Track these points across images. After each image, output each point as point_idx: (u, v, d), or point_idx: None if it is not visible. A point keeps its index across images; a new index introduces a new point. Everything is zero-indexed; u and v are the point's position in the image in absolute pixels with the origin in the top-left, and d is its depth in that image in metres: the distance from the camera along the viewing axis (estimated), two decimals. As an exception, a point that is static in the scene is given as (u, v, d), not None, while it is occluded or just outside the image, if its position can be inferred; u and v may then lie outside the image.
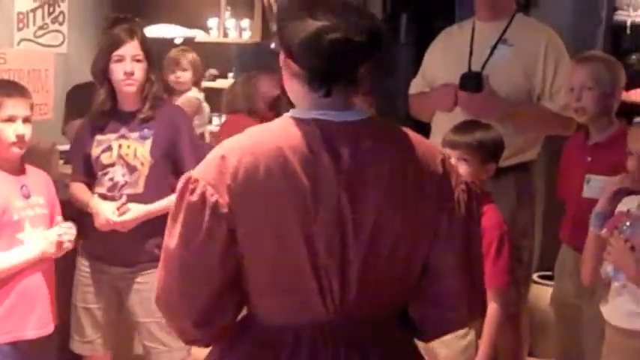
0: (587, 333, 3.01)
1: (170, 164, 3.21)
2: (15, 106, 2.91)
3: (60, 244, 2.97)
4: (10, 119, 2.90)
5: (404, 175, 1.64)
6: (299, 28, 1.59)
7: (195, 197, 1.60)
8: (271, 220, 1.59)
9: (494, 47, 3.40)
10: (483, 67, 3.38)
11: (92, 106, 3.24)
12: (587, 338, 3.02)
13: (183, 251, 1.61)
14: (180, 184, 1.65)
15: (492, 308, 2.82)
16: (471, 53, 3.42)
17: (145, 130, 3.18)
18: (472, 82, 3.32)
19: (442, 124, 3.15)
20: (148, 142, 3.17)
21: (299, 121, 1.64)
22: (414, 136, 1.71)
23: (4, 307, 2.89)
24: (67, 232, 3.00)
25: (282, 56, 1.69)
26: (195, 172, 1.64)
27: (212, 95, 4.88)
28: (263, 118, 3.53)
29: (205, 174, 1.61)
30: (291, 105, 1.72)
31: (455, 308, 1.74)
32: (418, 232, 1.67)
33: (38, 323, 2.97)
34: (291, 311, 1.65)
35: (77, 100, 3.87)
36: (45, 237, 2.96)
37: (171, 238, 1.62)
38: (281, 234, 1.59)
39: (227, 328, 1.70)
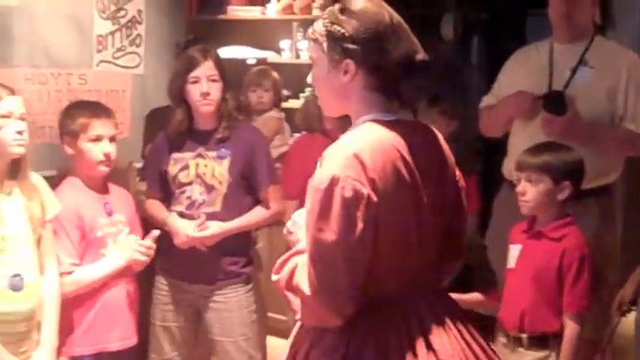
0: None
1: (245, 183, 3.24)
2: (103, 126, 3.00)
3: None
4: (98, 139, 2.99)
5: (444, 159, 2.00)
6: (390, 51, 1.88)
7: (348, 193, 1.78)
8: (398, 204, 1.84)
9: (576, 69, 3.37)
10: (565, 88, 3.35)
11: (169, 126, 3.27)
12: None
13: (346, 241, 1.79)
14: (324, 185, 1.81)
15: (571, 328, 2.78)
16: (551, 74, 3.39)
17: (222, 150, 3.20)
18: (556, 103, 3.28)
19: (518, 146, 3.13)
20: (226, 162, 3.19)
21: (386, 123, 1.90)
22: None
23: (88, 318, 2.96)
24: (141, 247, 3.04)
25: (345, 74, 1.91)
26: (338, 172, 1.80)
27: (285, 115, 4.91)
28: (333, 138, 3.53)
29: (348, 172, 1.80)
30: (347, 121, 1.99)
31: (463, 255, 2.15)
32: (453, 205, 2.03)
33: (121, 335, 3.02)
34: (403, 281, 1.90)
35: (156, 124, 3.89)
36: (124, 246, 3.01)
37: (326, 232, 1.80)
38: (403, 214, 1.86)
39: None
